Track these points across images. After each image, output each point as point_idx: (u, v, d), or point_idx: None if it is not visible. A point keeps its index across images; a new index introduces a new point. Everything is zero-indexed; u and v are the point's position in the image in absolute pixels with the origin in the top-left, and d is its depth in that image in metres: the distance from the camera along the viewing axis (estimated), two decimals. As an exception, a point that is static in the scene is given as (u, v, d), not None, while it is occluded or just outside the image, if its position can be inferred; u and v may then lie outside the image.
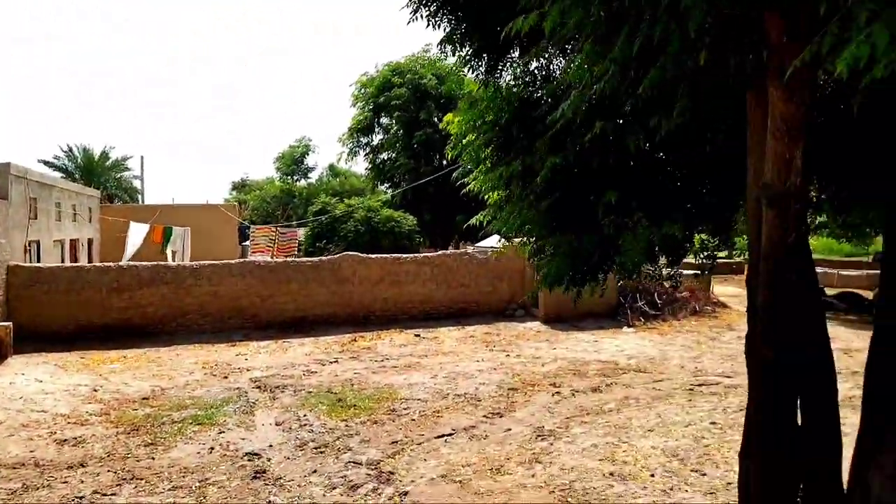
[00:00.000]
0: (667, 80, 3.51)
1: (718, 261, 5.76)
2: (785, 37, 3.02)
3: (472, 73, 5.66)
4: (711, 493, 6.29)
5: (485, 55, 5.43)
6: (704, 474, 6.78)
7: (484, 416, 9.26)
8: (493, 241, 19.08)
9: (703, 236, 5.41)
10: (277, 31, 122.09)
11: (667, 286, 17.31)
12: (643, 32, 3.04)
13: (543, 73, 5.32)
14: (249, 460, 7.62)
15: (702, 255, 5.48)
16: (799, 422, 4.22)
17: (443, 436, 8.43)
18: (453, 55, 5.52)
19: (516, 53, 5.38)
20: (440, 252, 19.95)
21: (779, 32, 3.00)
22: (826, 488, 4.17)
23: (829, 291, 23.17)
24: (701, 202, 4.94)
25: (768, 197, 3.37)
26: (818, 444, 4.19)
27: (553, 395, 10.25)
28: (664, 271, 5.67)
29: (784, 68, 2.87)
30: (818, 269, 28.70)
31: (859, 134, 4.05)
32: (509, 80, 5.59)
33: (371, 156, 29.94)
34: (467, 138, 5.86)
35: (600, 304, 17.06)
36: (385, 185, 31.22)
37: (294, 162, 47.58)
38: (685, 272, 13.40)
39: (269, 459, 7.64)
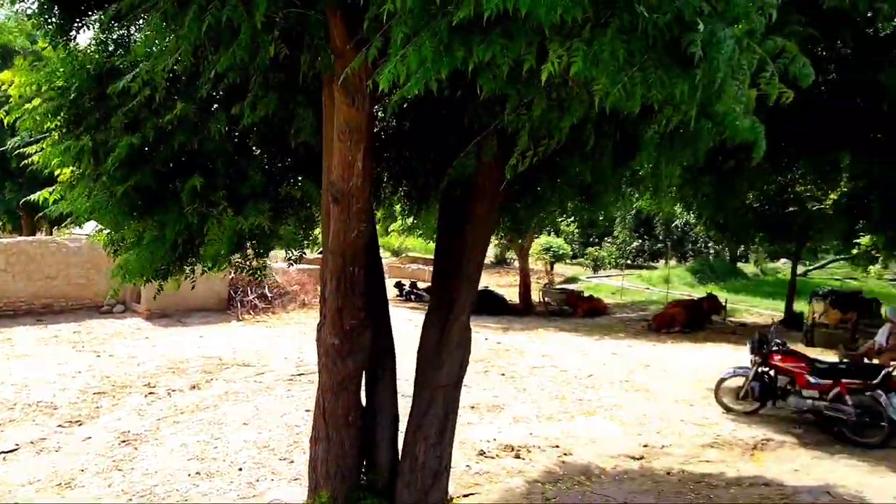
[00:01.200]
0: (242, 69, 3.47)
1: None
2: (349, 43, 3.20)
3: (41, 29, 4.85)
4: (296, 479, 6.49)
5: (56, 11, 4.70)
6: (293, 461, 6.98)
7: (59, 425, 8.11)
8: (90, 226, 16.93)
9: (291, 229, 5.53)
10: None
11: (277, 279, 17.60)
12: (211, 15, 2.93)
13: (125, 41, 4.82)
14: None
15: (291, 250, 5.60)
16: (364, 402, 4.60)
17: (1, 453, 7.14)
18: (13, 4, 4.66)
19: (96, 15, 4.78)
20: (19, 238, 16.96)
21: (342, 37, 3.17)
22: (385, 459, 4.64)
23: (422, 285, 26.30)
24: (288, 195, 5.04)
25: (334, 195, 3.57)
26: (380, 421, 4.63)
27: (146, 395, 9.49)
28: (255, 263, 5.61)
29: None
30: (414, 266, 32.21)
31: (417, 140, 4.57)
32: (89, 44, 4.94)
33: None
34: (32, 103, 5.00)
35: (210, 297, 16.52)
36: (-53, 153, 25.18)
37: None
38: (298, 266, 13.77)
39: None
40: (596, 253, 38.09)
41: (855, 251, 19.96)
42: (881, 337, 11.89)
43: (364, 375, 4.46)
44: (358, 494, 4.29)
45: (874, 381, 8.13)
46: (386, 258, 35.75)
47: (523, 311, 22.89)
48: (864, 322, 16.42)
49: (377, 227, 5.66)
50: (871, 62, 6.48)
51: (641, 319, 20.64)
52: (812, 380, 8.60)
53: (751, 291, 30.30)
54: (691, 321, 18.58)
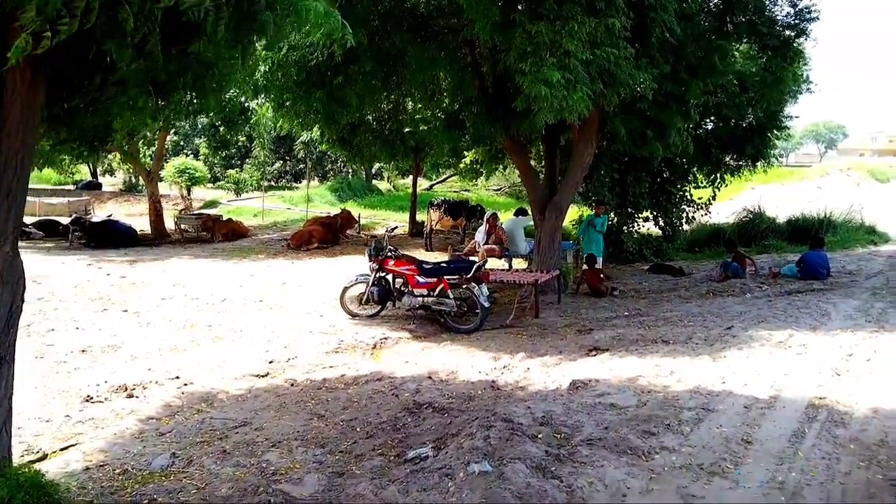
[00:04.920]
0: None
1: None
2: None
3: None
4: None
5: None
6: None
7: None
8: None
9: None
10: None
11: None
12: None
13: None
14: None
15: None
16: None
17: None
18: None
19: None
20: None
21: None
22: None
23: (29, 220, 22.48)
24: None
25: None
26: None
27: None
28: None
29: None
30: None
31: None
32: None
33: None
34: None
35: None
36: None
37: None
38: None
39: None
40: (237, 175, 36.87)
41: (462, 166, 22.71)
42: (479, 236, 13.81)
43: None
44: None
45: (468, 276, 9.33)
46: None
47: (156, 241, 21.19)
48: (472, 226, 19.01)
49: None
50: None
51: (282, 239, 20.74)
52: (421, 279, 9.55)
53: (385, 206, 32.72)
54: (328, 237, 19.29)
